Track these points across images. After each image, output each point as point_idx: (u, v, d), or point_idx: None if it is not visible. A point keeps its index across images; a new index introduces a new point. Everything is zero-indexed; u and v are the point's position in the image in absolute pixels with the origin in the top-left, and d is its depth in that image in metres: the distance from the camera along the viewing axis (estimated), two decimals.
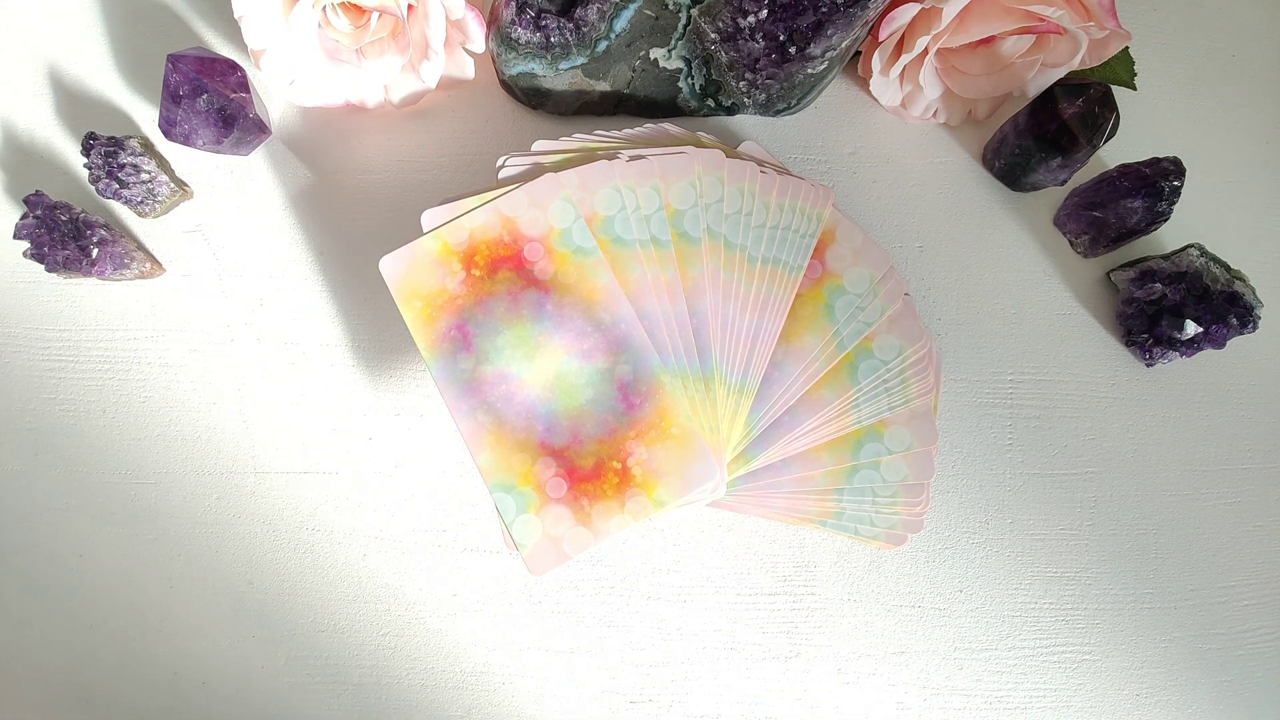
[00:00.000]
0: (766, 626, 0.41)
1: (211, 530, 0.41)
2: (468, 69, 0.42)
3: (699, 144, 0.40)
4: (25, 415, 0.42)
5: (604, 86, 0.42)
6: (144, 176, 0.41)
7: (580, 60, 0.41)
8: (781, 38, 0.39)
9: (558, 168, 0.39)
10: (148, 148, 0.41)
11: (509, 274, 0.37)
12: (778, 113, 0.44)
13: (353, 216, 0.43)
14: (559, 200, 0.38)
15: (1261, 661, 0.42)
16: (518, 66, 0.41)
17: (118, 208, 0.43)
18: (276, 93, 0.44)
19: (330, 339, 0.42)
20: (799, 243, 0.39)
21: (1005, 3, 0.38)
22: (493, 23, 0.41)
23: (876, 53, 0.41)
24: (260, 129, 0.42)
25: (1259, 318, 0.40)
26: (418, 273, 0.37)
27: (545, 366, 0.37)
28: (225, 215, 0.43)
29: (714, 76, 0.41)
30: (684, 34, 0.40)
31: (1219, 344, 0.41)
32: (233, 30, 0.44)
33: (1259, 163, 0.45)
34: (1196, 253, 0.41)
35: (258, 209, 0.43)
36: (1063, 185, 0.43)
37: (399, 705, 0.41)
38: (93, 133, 0.41)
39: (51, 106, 0.44)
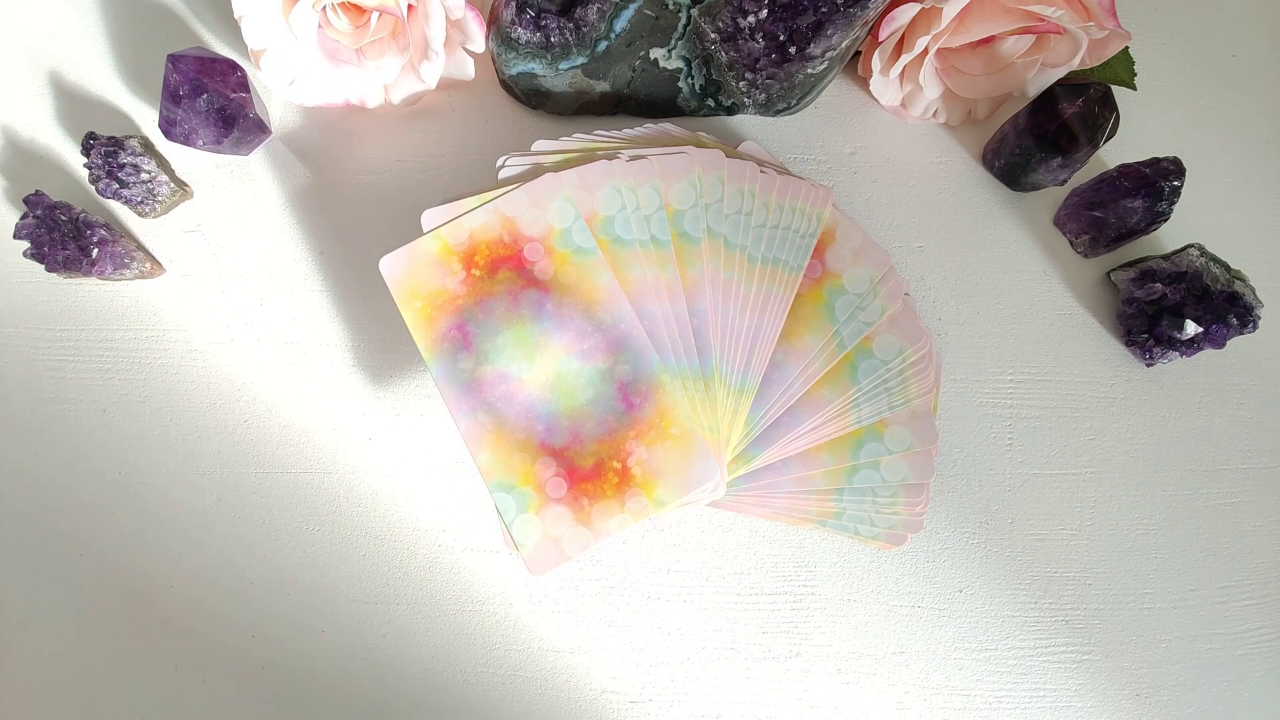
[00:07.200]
0: (766, 626, 0.41)
1: (211, 530, 0.41)
2: (468, 69, 0.42)
3: (699, 144, 0.40)
4: (25, 415, 0.42)
5: (604, 86, 0.42)
6: (144, 176, 0.41)
7: (580, 60, 0.41)
8: (781, 38, 0.39)
9: (558, 168, 0.39)
10: (148, 148, 0.41)
11: (509, 274, 0.37)
12: (778, 113, 0.44)
13: (353, 216, 0.43)
14: (559, 200, 0.38)
15: (1261, 661, 0.42)
16: (518, 66, 0.41)
17: (118, 208, 0.43)
18: (276, 93, 0.44)
19: (330, 339, 0.42)
20: (799, 243, 0.39)
21: (1005, 3, 0.38)
22: (493, 23, 0.41)
23: (876, 53, 0.41)
24: (260, 129, 0.42)
25: (1259, 318, 0.40)
26: (418, 273, 0.37)
27: (545, 366, 0.37)
28: (225, 215, 0.43)
29: (714, 76, 0.41)
30: (684, 34, 0.40)
31: (1219, 344, 0.41)
32: (233, 30, 0.44)
33: (1259, 163, 0.45)
34: (1196, 253, 0.41)
35: (258, 209, 0.43)
36: (1063, 185, 0.43)
37: (399, 704, 0.41)
38: (93, 133, 0.41)
39: (51, 107, 0.44)
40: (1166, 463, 0.43)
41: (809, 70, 0.40)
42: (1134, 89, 0.43)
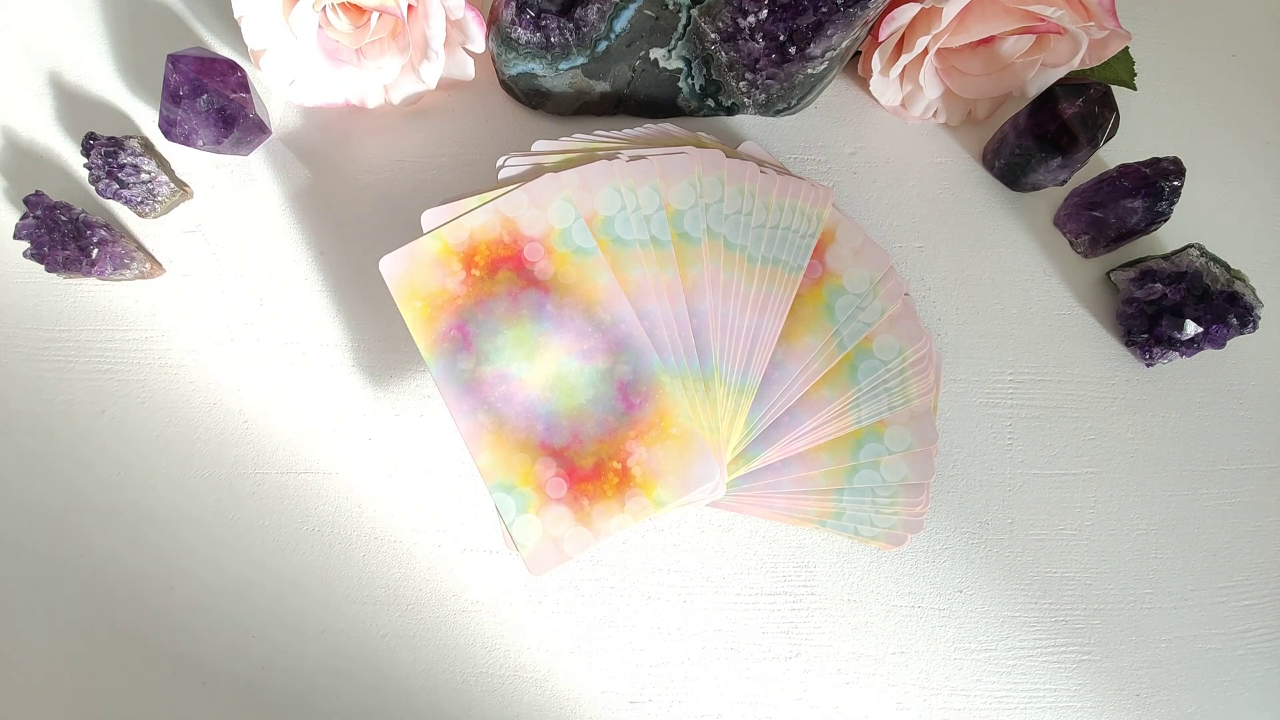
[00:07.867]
0: (766, 626, 0.41)
1: (211, 531, 0.41)
2: (468, 69, 0.42)
3: (699, 144, 0.40)
4: (25, 415, 0.42)
5: (604, 86, 0.42)
6: (144, 176, 0.41)
7: (580, 60, 0.41)
8: (781, 38, 0.39)
9: (558, 168, 0.39)
10: (148, 148, 0.41)
11: (509, 274, 0.37)
12: (778, 113, 0.44)
13: (353, 216, 0.43)
14: (559, 200, 0.38)
15: (1261, 661, 0.42)
16: (518, 66, 0.41)
17: (118, 208, 0.43)
18: (276, 93, 0.44)
19: (330, 339, 0.42)
20: (799, 243, 0.39)
21: (1005, 3, 0.38)
22: (493, 23, 0.41)
23: (876, 53, 0.41)
24: (260, 129, 0.42)
25: (1259, 318, 0.40)
26: (418, 273, 0.37)
27: (545, 366, 0.37)
28: (225, 215, 0.43)
29: (714, 76, 0.41)
30: (684, 34, 0.40)
31: (1219, 344, 0.41)
32: (233, 30, 0.44)
33: (1259, 163, 0.45)
34: (1196, 253, 0.41)
35: (258, 209, 0.43)
36: (1063, 185, 0.43)
37: (399, 705, 0.41)
38: (93, 133, 0.41)
39: (51, 107, 0.44)
40: (1166, 463, 0.43)
41: (809, 70, 0.40)
42: (1134, 89, 0.43)
